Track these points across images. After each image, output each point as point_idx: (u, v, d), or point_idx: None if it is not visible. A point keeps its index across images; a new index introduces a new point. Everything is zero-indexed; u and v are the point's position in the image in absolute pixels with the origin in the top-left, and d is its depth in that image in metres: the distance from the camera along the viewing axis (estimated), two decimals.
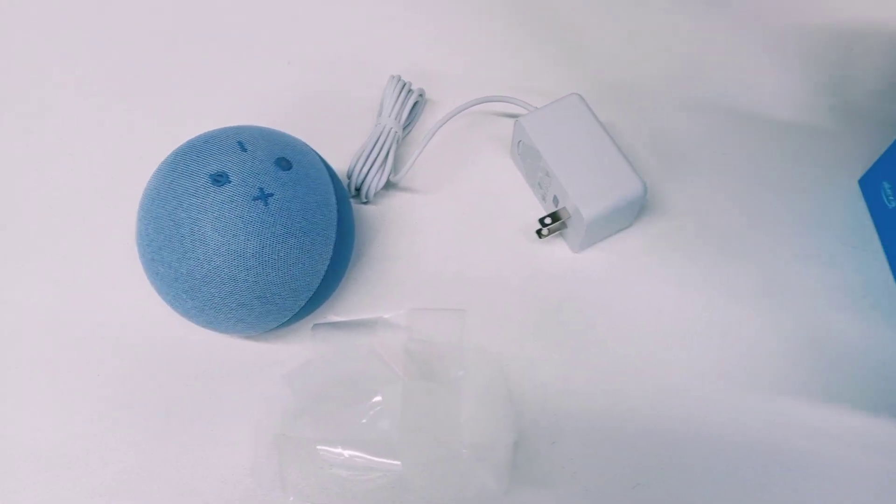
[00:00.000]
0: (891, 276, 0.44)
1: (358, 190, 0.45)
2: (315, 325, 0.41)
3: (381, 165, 0.45)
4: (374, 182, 0.45)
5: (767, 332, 0.43)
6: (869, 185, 0.45)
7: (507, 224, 0.46)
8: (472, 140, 0.48)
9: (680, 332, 0.43)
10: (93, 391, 0.41)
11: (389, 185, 0.46)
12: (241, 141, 0.38)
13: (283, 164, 0.38)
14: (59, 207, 0.46)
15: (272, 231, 0.36)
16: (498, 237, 0.45)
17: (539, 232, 0.44)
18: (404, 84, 0.47)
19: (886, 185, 0.43)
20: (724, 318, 0.43)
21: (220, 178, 0.36)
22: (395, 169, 0.46)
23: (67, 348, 0.42)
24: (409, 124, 0.48)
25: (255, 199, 0.36)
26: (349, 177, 0.45)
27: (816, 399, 0.41)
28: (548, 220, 0.43)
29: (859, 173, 0.46)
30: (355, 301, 0.43)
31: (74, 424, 0.40)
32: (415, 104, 0.47)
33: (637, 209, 0.44)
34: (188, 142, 0.39)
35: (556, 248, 0.45)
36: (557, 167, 0.43)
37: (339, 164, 0.46)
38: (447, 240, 0.45)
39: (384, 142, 0.45)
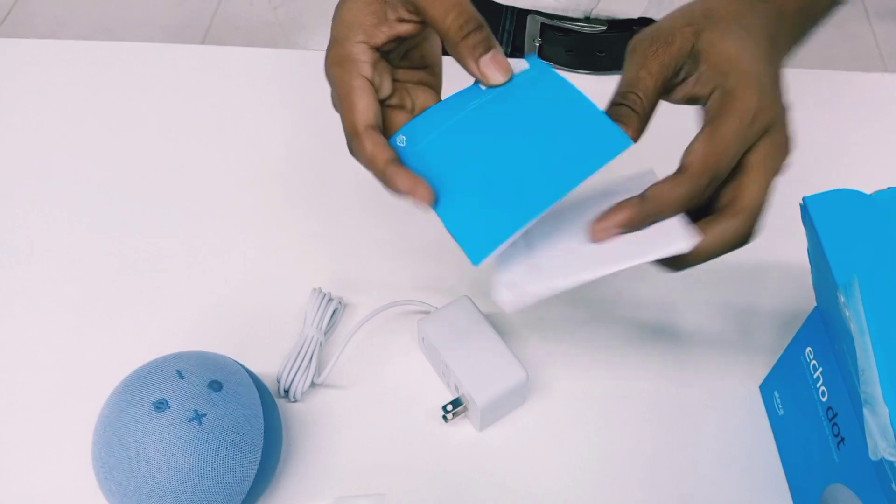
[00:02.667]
0: (783, 478, 0.49)
1: (287, 391, 0.52)
2: None
3: (305, 369, 0.52)
4: (300, 384, 0.52)
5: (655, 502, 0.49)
6: (766, 391, 0.52)
7: (418, 410, 0.53)
8: (386, 337, 0.56)
9: (572, 495, 0.49)
10: None
11: (314, 385, 0.53)
12: (179, 369, 0.45)
13: (216, 385, 0.45)
14: (16, 435, 0.52)
15: (206, 446, 0.43)
16: (411, 423, 0.52)
17: (444, 417, 0.51)
18: (324, 295, 0.55)
19: (777, 394, 0.50)
20: (611, 482, 0.50)
21: (160, 405, 0.44)
22: (319, 371, 0.53)
23: None
24: (330, 329, 0.56)
25: (191, 420, 0.43)
26: (278, 380, 0.52)
27: None
28: (449, 407, 0.51)
29: (760, 380, 0.53)
30: (287, 494, 0.50)
31: None
32: (334, 311, 0.56)
33: (524, 391, 0.52)
34: (134, 371, 0.46)
35: (463, 428, 0.52)
36: (453, 361, 0.50)
37: (271, 367, 0.53)
38: (367, 429, 0.52)
39: (307, 349, 0.53)
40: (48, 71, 0.73)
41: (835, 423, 0.41)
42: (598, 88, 0.69)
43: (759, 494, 0.49)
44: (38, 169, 0.66)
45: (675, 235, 0.41)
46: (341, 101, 0.42)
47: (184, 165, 0.66)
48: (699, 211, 0.42)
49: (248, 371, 0.49)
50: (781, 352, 0.50)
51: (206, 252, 0.61)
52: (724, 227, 0.41)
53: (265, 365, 0.53)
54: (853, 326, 0.32)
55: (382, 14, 0.42)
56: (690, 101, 0.43)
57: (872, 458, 0.32)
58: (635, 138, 0.42)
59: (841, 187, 0.38)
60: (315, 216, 0.63)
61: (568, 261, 0.43)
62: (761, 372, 0.53)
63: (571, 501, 0.49)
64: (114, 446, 0.43)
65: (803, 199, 0.36)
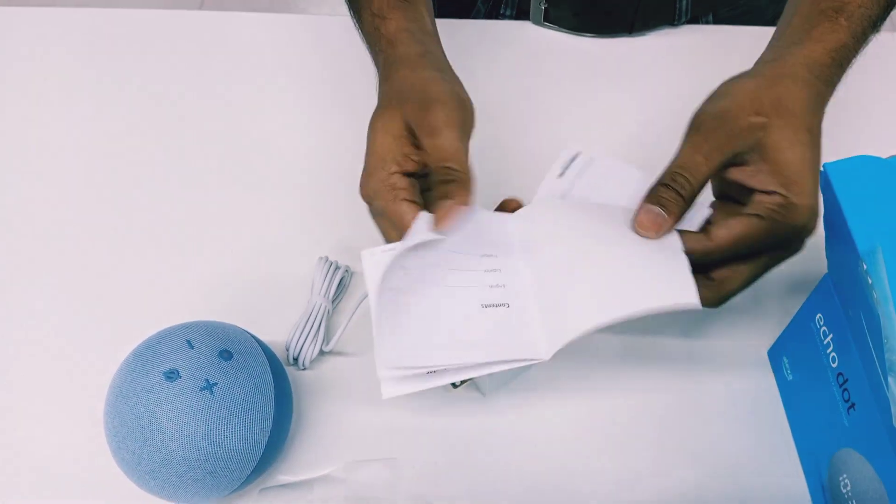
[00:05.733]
0: (793, 442, 0.49)
1: (296, 359, 0.52)
2: (262, 488, 0.48)
3: (314, 337, 0.52)
4: (309, 352, 0.52)
5: (662, 464, 0.50)
6: (774, 357, 0.52)
7: None
8: None
9: (579, 456, 0.50)
10: None
11: (323, 353, 0.53)
12: (189, 339, 0.45)
13: (226, 355, 0.45)
14: (29, 407, 0.53)
15: (218, 415, 0.43)
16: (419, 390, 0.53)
17: (452, 382, 0.51)
18: (331, 264, 0.55)
19: (786, 359, 0.50)
20: (616, 448, 0.50)
21: (171, 375, 0.44)
22: (327, 339, 0.53)
23: None
24: (337, 297, 0.55)
25: (202, 389, 0.43)
26: (287, 349, 0.52)
27: None
28: None
29: (768, 345, 0.53)
30: (300, 459, 0.50)
31: None
32: (341, 279, 0.55)
33: None
34: (145, 341, 0.46)
35: (470, 392, 0.52)
36: None
37: (279, 336, 0.53)
38: (376, 395, 0.51)
39: (315, 317, 0.53)
40: (44, 40, 0.72)
41: (845, 389, 0.41)
42: (605, 52, 0.69)
43: (769, 459, 0.49)
44: (41, 140, 0.65)
45: (686, 290, 0.43)
46: (395, 227, 0.45)
47: (186, 134, 0.65)
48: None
49: (257, 340, 0.49)
50: (789, 318, 0.50)
51: (211, 221, 0.60)
52: (703, 295, 0.44)
53: (274, 333, 0.53)
54: (876, 294, 0.32)
55: (405, 143, 0.46)
56: (741, 185, 0.44)
57: None
58: (674, 223, 0.44)
59: (847, 149, 0.37)
60: (319, 183, 0.62)
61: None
62: (769, 337, 0.53)
63: (578, 463, 0.50)
64: (126, 416, 0.43)
65: (824, 166, 0.35)
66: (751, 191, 0.44)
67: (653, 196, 0.44)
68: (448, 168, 0.44)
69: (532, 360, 0.43)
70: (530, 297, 0.45)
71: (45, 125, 0.66)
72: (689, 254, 0.44)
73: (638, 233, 0.44)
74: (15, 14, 0.74)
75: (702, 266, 0.45)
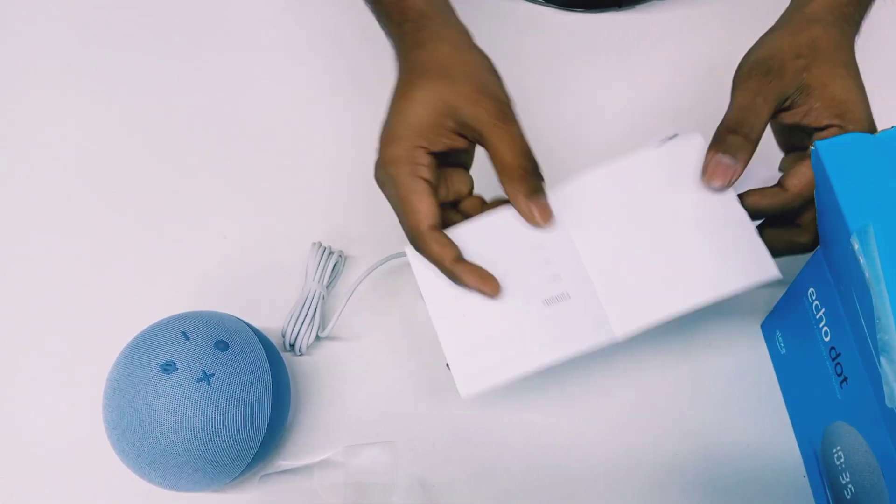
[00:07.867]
0: (787, 415, 0.50)
1: (292, 346, 0.53)
2: (262, 475, 0.48)
3: (310, 323, 0.52)
4: (305, 338, 0.52)
5: (658, 437, 0.50)
6: (768, 330, 0.52)
7: (423, 359, 0.53)
8: (388, 289, 0.56)
9: (576, 432, 0.50)
10: None
11: (319, 338, 0.53)
12: (184, 331, 0.45)
13: (222, 345, 0.45)
14: (27, 402, 0.53)
15: (216, 405, 0.43)
16: (416, 372, 0.53)
17: (448, 364, 0.51)
18: (324, 249, 0.55)
19: (779, 333, 0.50)
20: (614, 421, 0.51)
21: (168, 367, 0.44)
22: (323, 325, 0.53)
23: None
24: (332, 282, 0.55)
25: (199, 380, 0.44)
26: (283, 335, 0.53)
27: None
28: None
29: (762, 319, 0.53)
30: (299, 445, 0.50)
31: None
32: (335, 264, 0.55)
33: None
34: (140, 334, 0.46)
35: None
36: None
37: (275, 323, 0.53)
38: (374, 379, 0.53)
39: (310, 303, 0.53)
40: (25, 30, 0.71)
41: (838, 363, 0.41)
42: (593, 26, 0.68)
43: (763, 432, 0.50)
44: (28, 133, 0.65)
45: (763, 266, 0.43)
46: (401, 202, 0.44)
47: (172, 123, 0.64)
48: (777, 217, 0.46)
49: (252, 328, 0.49)
50: (783, 291, 0.50)
51: (202, 209, 0.60)
52: (799, 241, 0.45)
53: (269, 320, 0.53)
54: (868, 274, 0.32)
55: (444, 122, 0.44)
56: (796, 127, 0.46)
57: (889, 405, 0.32)
58: (742, 171, 0.44)
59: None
60: (310, 168, 0.62)
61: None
62: (762, 311, 0.53)
63: (575, 441, 0.50)
64: (125, 409, 0.44)
65: (815, 144, 0.35)
66: (811, 135, 0.45)
67: (719, 144, 0.44)
68: (531, 162, 0.44)
69: (605, 343, 0.44)
70: (590, 281, 0.45)
71: (29, 117, 0.65)
72: (771, 209, 0.44)
73: (707, 186, 0.44)
74: None
75: (787, 218, 0.46)
